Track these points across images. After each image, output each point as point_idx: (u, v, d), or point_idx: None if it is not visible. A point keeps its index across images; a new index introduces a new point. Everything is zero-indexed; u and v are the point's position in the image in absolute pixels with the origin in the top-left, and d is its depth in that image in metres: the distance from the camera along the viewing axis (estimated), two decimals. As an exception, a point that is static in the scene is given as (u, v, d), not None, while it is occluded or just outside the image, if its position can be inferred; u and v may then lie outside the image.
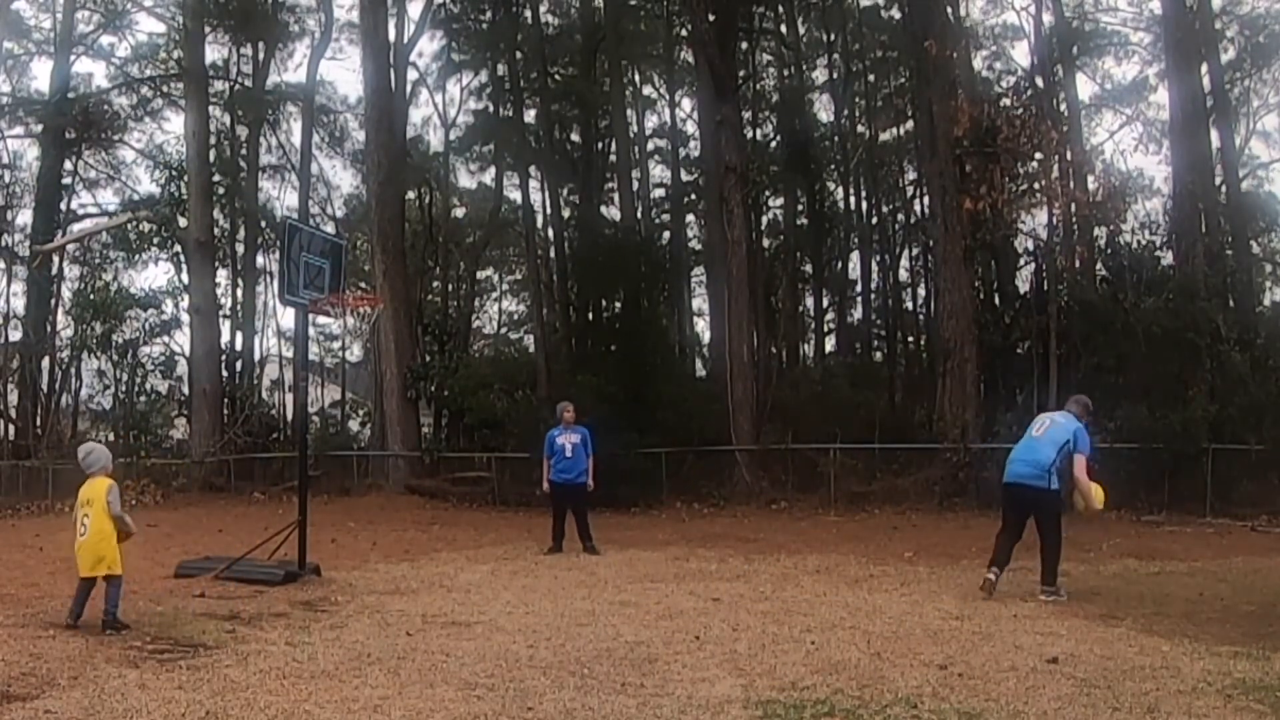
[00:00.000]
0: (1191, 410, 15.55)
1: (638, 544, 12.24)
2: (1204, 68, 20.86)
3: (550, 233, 27.70)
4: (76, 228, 26.78)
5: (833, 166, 28.57)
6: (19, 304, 24.96)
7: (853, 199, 28.70)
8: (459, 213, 32.79)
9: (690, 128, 29.96)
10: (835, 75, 28.76)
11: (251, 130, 27.55)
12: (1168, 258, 18.68)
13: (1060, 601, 7.62)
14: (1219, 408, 15.78)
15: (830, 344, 30.69)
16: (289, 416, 25.41)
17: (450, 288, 30.14)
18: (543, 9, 27.72)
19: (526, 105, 27.46)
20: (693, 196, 29.97)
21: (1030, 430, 8.21)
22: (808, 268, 28.86)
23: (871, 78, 28.97)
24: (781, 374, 23.60)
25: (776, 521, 15.52)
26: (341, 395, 36.52)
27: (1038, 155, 17.90)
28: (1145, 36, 25.15)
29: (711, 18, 20.38)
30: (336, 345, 37.52)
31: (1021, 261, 20.88)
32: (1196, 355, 16.52)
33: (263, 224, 27.01)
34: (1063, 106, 22.58)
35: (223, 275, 26.09)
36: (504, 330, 38.45)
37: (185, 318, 23.76)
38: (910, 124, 25.84)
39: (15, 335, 24.23)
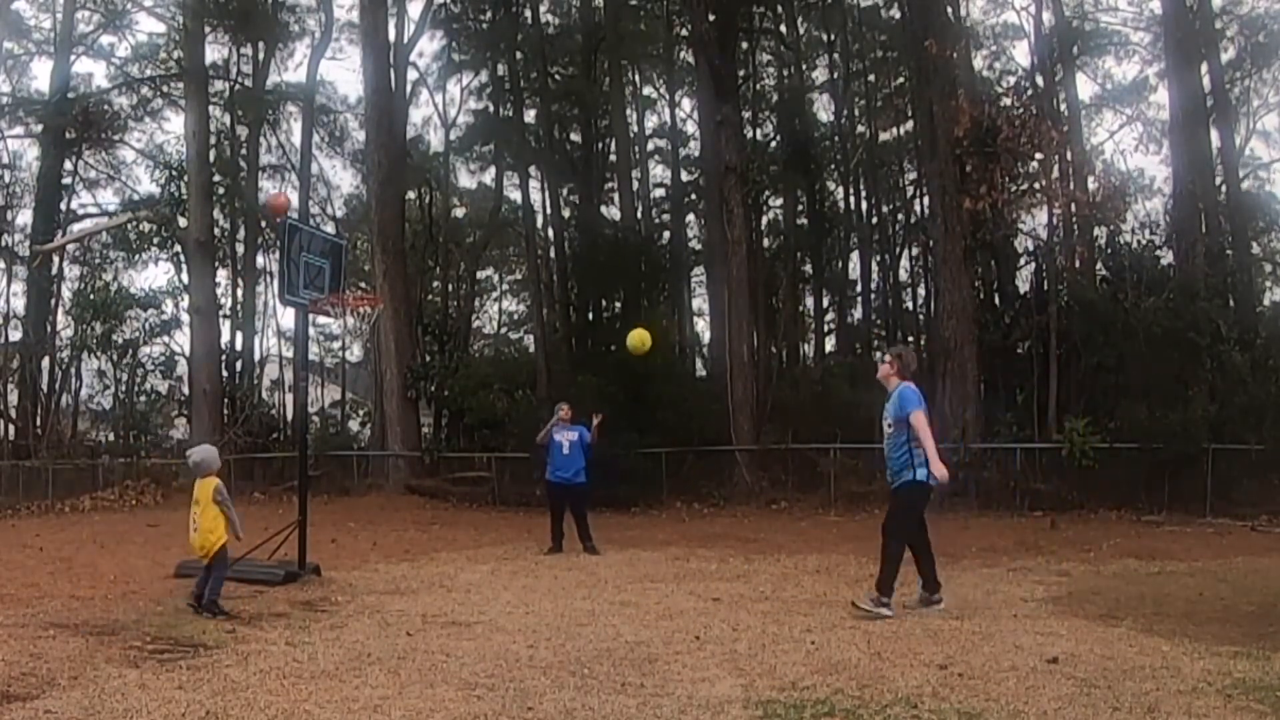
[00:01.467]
0: (1191, 410, 15.56)
1: (638, 544, 12.24)
2: (1204, 68, 20.87)
3: (550, 233, 27.72)
4: (76, 228, 26.78)
5: (833, 166, 28.55)
6: (19, 304, 25.02)
7: (853, 199, 28.70)
8: (459, 213, 32.81)
9: (690, 128, 30.01)
10: (835, 75, 28.76)
11: (251, 130, 27.56)
12: (1168, 258, 18.70)
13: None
14: (1219, 408, 15.80)
15: (830, 344, 30.69)
16: (289, 416, 25.41)
17: (450, 288, 30.15)
18: (543, 9, 27.75)
19: (526, 105, 27.48)
20: (693, 196, 29.97)
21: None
22: (808, 268, 28.85)
23: (871, 78, 28.97)
24: (781, 374, 23.60)
25: (776, 521, 15.52)
26: (341, 395, 36.54)
27: (1038, 155, 17.91)
28: (1145, 36, 25.18)
29: (711, 18, 20.39)
30: (336, 345, 37.57)
31: (1021, 261, 20.89)
32: (1196, 355, 16.52)
33: (263, 224, 27.01)
34: (1063, 106, 22.59)
35: (223, 275, 26.16)
36: (504, 330, 38.47)
37: (185, 318, 23.76)
38: (910, 124, 25.84)
39: (15, 335, 24.24)
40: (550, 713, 4.51)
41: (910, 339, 28.24)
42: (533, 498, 17.59)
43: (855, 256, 29.29)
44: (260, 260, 27.85)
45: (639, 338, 8.54)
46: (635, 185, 27.45)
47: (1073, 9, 25.18)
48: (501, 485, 18.72)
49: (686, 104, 30.36)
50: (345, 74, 34.59)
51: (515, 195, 29.39)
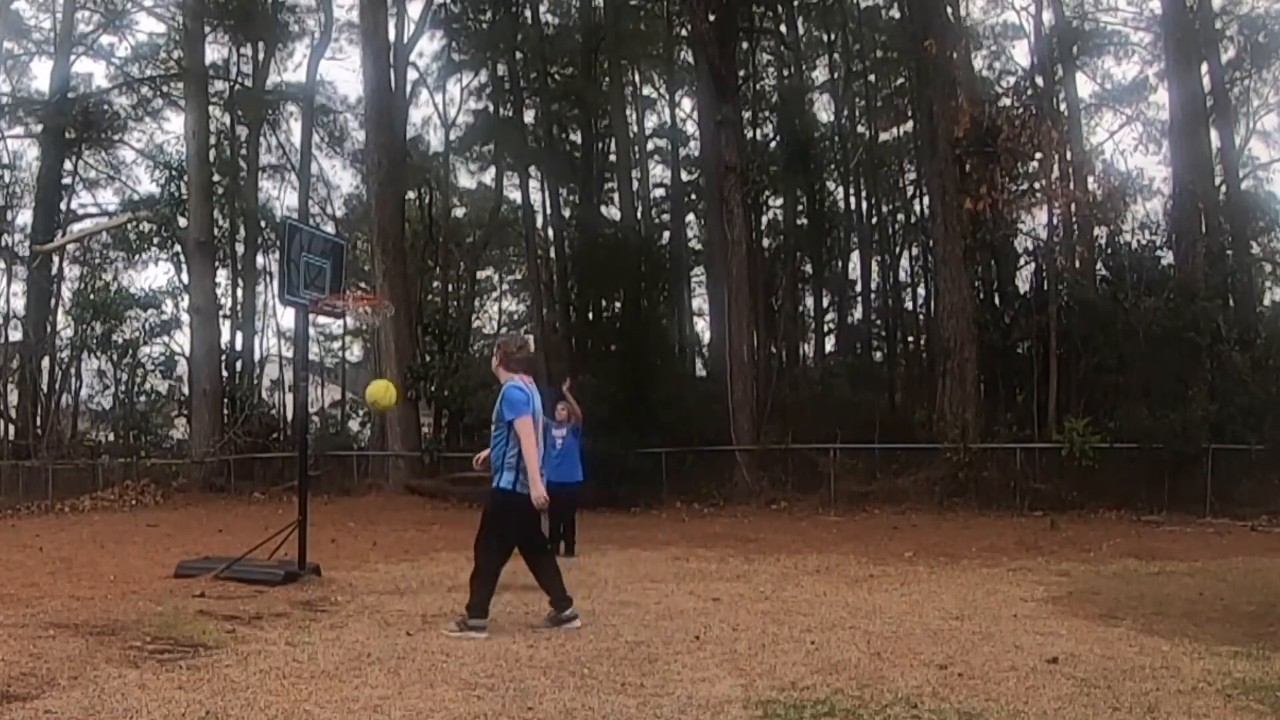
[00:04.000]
0: (1191, 410, 15.56)
1: (638, 544, 12.23)
2: (1204, 68, 20.87)
3: (550, 233, 27.73)
4: (76, 228, 26.80)
5: (833, 166, 28.55)
6: (19, 304, 25.02)
7: (853, 199, 28.72)
8: (459, 213, 32.82)
9: (690, 128, 30.01)
10: (835, 75, 28.77)
11: (251, 130, 27.57)
12: (1168, 258, 18.71)
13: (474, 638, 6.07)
14: (1219, 408, 15.80)
15: (830, 344, 30.70)
16: (289, 416, 25.41)
17: (450, 288, 30.16)
18: (543, 9, 27.78)
19: (526, 105, 27.50)
20: (693, 196, 29.98)
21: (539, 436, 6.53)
22: (808, 268, 28.86)
23: (871, 78, 28.97)
24: (781, 374, 23.61)
25: (776, 521, 15.51)
26: (341, 395, 36.53)
27: (1038, 155, 17.92)
28: (1145, 36, 25.17)
29: (711, 18, 20.38)
30: (336, 345, 37.58)
31: (1021, 261, 20.91)
32: (1196, 355, 16.54)
33: (263, 224, 27.02)
34: (1063, 106, 22.58)
35: (223, 275, 26.16)
36: (504, 330, 38.45)
37: (185, 318, 23.76)
38: (910, 124, 25.86)
39: (15, 335, 24.24)
40: (550, 713, 4.51)
41: (910, 339, 28.32)
42: (532, 498, 17.58)
43: (855, 256, 29.32)
44: (260, 260, 27.89)
45: (380, 393, 8.46)
46: (635, 185, 27.44)
47: (1073, 9, 25.17)
48: (501, 485, 18.69)
49: (686, 104, 30.41)
50: (345, 74, 34.61)
51: (515, 195, 29.45)
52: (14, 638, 5.86)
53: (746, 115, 26.14)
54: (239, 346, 26.20)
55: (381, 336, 21.16)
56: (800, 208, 28.00)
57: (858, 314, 29.73)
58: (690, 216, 30.46)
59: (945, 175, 18.23)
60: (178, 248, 24.25)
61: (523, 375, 6.52)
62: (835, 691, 4.84)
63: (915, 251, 28.21)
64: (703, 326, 29.64)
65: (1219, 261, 18.47)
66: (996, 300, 20.87)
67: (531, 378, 6.58)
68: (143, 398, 25.13)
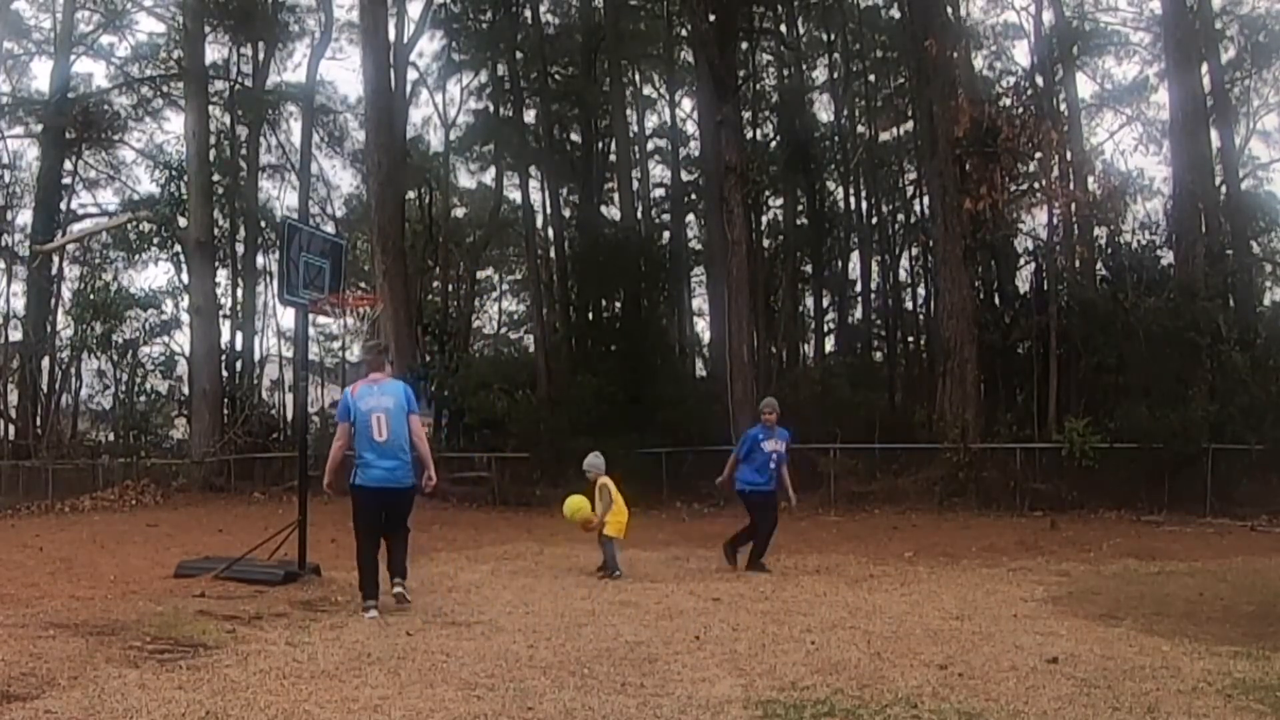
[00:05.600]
0: (1191, 410, 15.56)
1: (638, 544, 12.20)
2: (1204, 68, 20.87)
3: (550, 233, 27.74)
4: (76, 228, 26.79)
5: (833, 166, 28.57)
6: (19, 304, 25.02)
7: (853, 199, 28.73)
8: (459, 213, 32.84)
9: (690, 128, 30.03)
10: (835, 75, 28.78)
11: (251, 130, 27.58)
12: (1168, 258, 18.71)
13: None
14: (1219, 408, 15.80)
15: (830, 344, 30.72)
16: (289, 416, 25.41)
17: (450, 288, 30.18)
18: (543, 9, 27.78)
19: (526, 105, 27.51)
20: (693, 196, 29.99)
21: (371, 434, 7.53)
22: (808, 268, 28.87)
23: (871, 78, 28.99)
24: (781, 374, 23.61)
25: (776, 521, 15.48)
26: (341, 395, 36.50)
27: (1038, 155, 17.92)
28: (1145, 36, 25.18)
29: (711, 18, 20.38)
30: (336, 345, 37.59)
31: (1021, 261, 20.92)
32: (1196, 355, 16.53)
33: (263, 224, 27.03)
34: (1063, 106, 22.59)
35: (223, 275, 26.17)
36: (504, 330, 38.51)
37: (185, 318, 23.76)
38: (910, 124, 25.86)
39: (15, 335, 24.23)
40: (550, 713, 4.51)
41: (910, 339, 28.33)
42: (532, 497, 17.60)
43: (855, 256, 29.32)
44: (260, 260, 27.90)
45: (575, 508, 9.32)
46: (635, 185, 27.46)
47: (1073, 9, 25.18)
48: (501, 485, 18.71)
49: (686, 104, 30.43)
50: (345, 74, 34.61)
51: (515, 195, 29.47)
52: (14, 638, 5.86)
53: (746, 115, 26.16)
54: (239, 346, 26.22)
55: (381, 336, 21.13)
56: (800, 208, 28.02)
57: (858, 314, 29.74)
58: (690, 216, 30.48)
59: (945, 175, 18.22)
60: (178, 248, 24.23)
61: (372, 375, 7.48)
62: (835, 691, 4.84)
63: (915, 251, 28.21)
64: (703, 326, 29.69)
65: (1219, 261, 18.47)
66: (996, 300, 20.88)
67: (382, 374, 7.55)
68: (143, 398, 25.11)
